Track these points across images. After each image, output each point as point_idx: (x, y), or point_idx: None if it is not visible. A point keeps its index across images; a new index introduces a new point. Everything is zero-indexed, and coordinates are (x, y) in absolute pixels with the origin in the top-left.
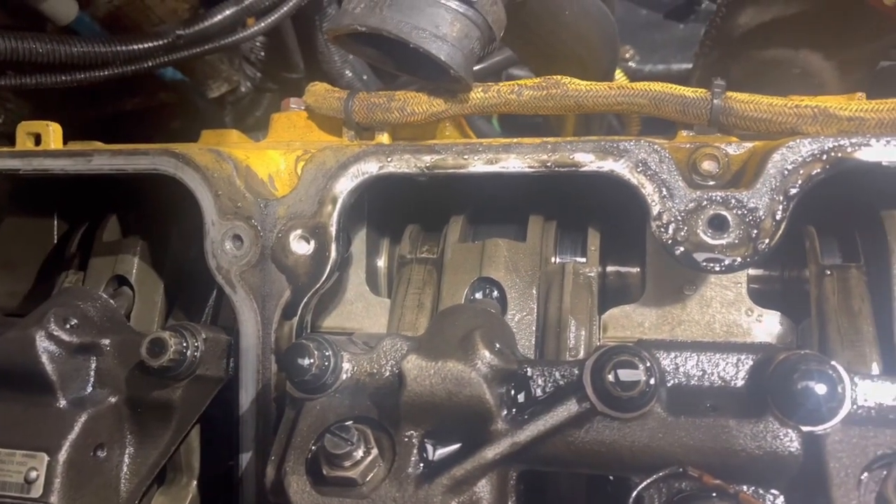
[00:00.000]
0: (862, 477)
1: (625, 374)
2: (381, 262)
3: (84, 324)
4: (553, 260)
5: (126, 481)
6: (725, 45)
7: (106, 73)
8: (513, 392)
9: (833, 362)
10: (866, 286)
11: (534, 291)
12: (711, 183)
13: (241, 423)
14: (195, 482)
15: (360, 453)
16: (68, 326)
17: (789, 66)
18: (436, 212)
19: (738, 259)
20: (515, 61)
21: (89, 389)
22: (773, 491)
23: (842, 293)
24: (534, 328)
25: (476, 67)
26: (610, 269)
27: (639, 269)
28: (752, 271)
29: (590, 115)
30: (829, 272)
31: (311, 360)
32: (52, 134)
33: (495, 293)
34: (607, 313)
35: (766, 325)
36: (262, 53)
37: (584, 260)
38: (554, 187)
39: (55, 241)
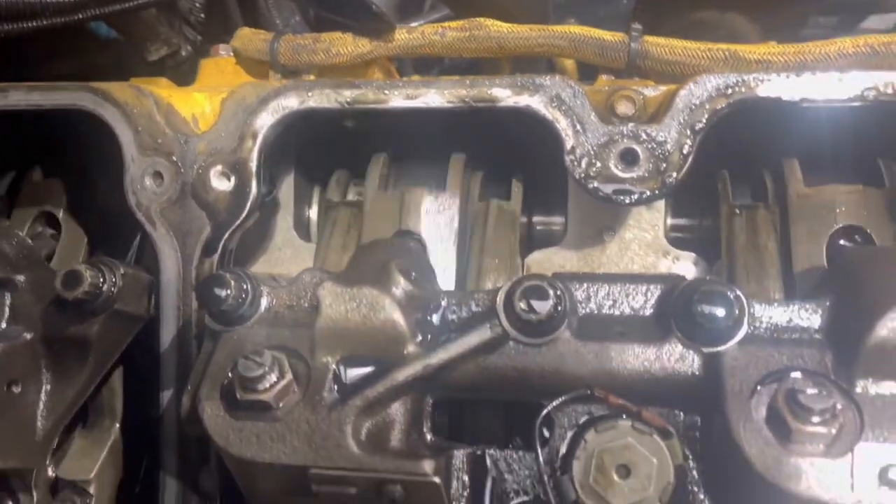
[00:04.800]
0: (757, 389)
1: (536, 301)
2: (312, 210)
3: None
4: (477, 201)
5: (43, 419)
6: (658, 7)
7: (34, 24)
8: (428, 318)
9: (731, 286)
10: (772, 224)
11: (455, 236)
12: (630, 125)
13: (161, 361)
14: (118, 425)
15: (273, 377)
16: None
17: (716, 28)
18: (364, 158)
19: (648, 192)
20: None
21: (3, 325)
22: (675, 411)
23: (749, 231)
24: (454, 274)
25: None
26: (534, 216)
27: (562, 217)
28: (671, 220)
29: (522, 63)
30: (738, 211)
31: (228, 291)
32: None
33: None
34: (530, 256)
35: (682, 266)
36: (202, 15)
37: (507, 201)
38: (478, 132)
39: None
